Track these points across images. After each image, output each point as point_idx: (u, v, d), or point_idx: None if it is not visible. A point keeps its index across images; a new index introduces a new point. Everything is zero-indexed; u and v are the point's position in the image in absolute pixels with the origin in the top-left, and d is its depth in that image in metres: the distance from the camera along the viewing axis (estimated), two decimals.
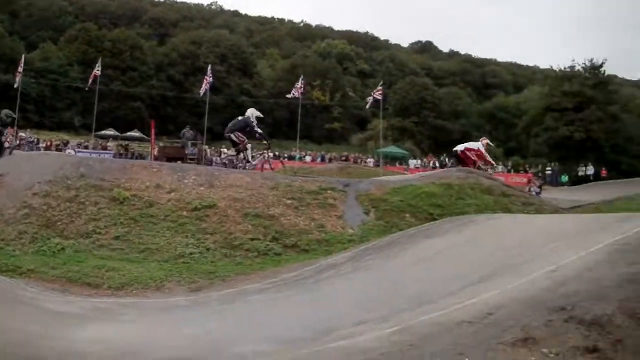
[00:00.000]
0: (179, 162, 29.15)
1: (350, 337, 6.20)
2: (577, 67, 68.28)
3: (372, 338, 5.98)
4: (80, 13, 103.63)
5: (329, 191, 15.97)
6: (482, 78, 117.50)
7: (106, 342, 6.90)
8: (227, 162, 24.80)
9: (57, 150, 48.93)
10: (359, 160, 60.94)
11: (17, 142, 22.67)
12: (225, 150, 53.10)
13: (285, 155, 55.99)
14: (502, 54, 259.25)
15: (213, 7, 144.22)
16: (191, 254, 12.51)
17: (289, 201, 15.16)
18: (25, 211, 13.48)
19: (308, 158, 56.59)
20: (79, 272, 10.97)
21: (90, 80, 60.60)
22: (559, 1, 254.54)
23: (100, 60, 61.17)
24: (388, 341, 5.75)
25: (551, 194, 32.61)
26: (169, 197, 14.65)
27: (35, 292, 9.75)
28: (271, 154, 24.34)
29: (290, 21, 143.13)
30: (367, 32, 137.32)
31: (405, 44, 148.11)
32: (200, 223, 13.74)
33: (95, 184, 14.71)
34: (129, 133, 64.07)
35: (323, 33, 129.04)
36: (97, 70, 58.94)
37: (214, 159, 47.52)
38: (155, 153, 41.59)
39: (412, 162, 64.03)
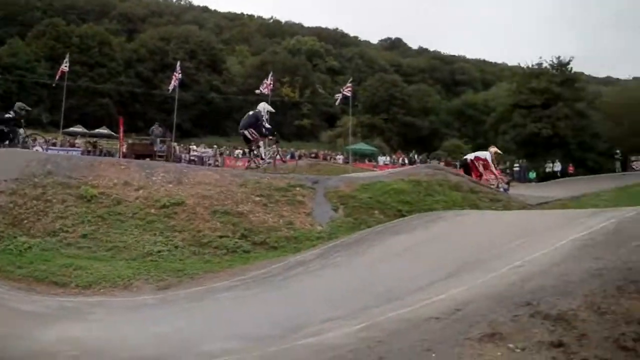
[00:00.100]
0: (148, 159, 29.00)
1: (318, 334, 6.21)
2: (545, 65, 68.92)
3: (340, 335, 5.99)
4: (48, 8, 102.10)
5: (297, 188, 15.96)
6: (451, 75, 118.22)
7: (73, 341, 6.83)
8: (196, 159, 24.76)
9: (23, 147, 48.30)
10: (328, 157, 60.99)
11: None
12: (194, 147, 52.97)
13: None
14: (471, 51, 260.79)
15: (182, 2, 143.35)
16: (159, 252, 12.39)
17: (257, 198, 15.12)
18: None
19: (277, 155, 56.39)
20: (46, 271, 10.82)
21: (57, 77, 59.65)
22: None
23: (68, 56, 60.28)
24: (356, 338, 5.76)
25: (519, 191, 32.74)
26: (137, 195, 14.51)
27: (1, 291, 9.62)
28: (279, 149, 24.21)
29: (259, 17, 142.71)
30: (337, 29, 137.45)
31: (374, 40, 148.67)
32: (168, 221, 13.63)
33: (62, 182, 14.52)
34: (97, 130, 63.47)
35: (293, 30, 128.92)
36: (64, 67, 58.01)
37: (183, 156, 47.41)
38: (124, 150, 41.23)
39: (381, 159, 64.14)
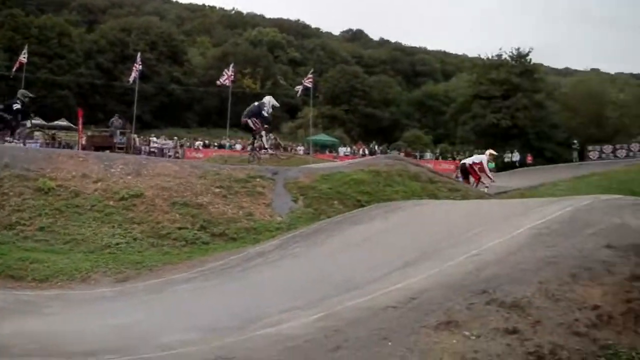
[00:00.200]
0: (107, 151, 28.73)
1: (277, 324, 6.21)
2: (505, 56, 69.64)
3: (298, 325, 6.00)
4: None
5: (257, 179, 15.92)
6: (411, 66, 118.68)
7: (30, 335, 6.74)
8: (156, 151, 24.64)
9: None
10: (289, 149, 60.93)
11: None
12: (154, 139, 52.55)
13: (216, 143, 55.57)
14: (432, 42, 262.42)
15: None
16: (118, 244, 12.25)
17: (217, 189, 15.05)
18: None
19: (238, 147, 56.04)
20: (2, 265, 10.62)
21: (15, 68, 58.70)
22: None
23: (26, 47, 59.32)
24: (314, 327, 5.78)
25: None
26: (96, 187, 14.31)
27: None
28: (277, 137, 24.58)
29: (221, 9, 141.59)
30: (299, 20, 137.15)
31: (336, 32, 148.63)
32: (127, 213, 13.48)
33: (19, 174, 14.25)
34: (56, 122, 62.43)
35: (254, 21, 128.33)
36: (23, 58, 57.09)
37: (143, 148, 47.05)
38: (83, 142, 40.79)
39: (342, 150, 64.29)
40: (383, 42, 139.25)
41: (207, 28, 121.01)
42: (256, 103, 21.83)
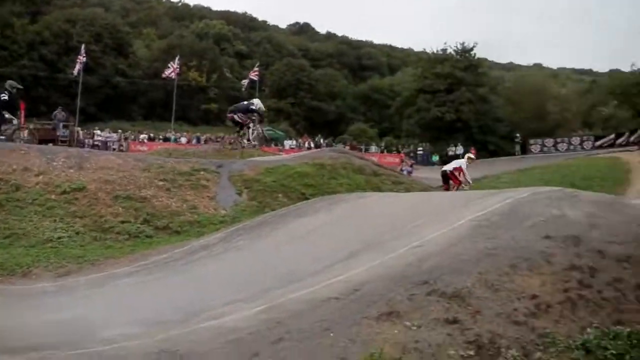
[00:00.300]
0: (50, 144, 28.23)
1: (220, 317, 6.20)
2: (449, 50, 70.15)
3: (241, 317, 6.00)
4: None
5: (201, 172, 15.84)
6: (358, 60, 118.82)
7: None
8: (100, 144, 24.41)
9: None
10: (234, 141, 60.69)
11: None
12: (98, 132, 51.74)
13: (161, 137, 55.01)
14: (379, 36, 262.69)
15: None
16: (59, 238, 12.05)
17: (161, 183, 14.92)
18: None
19: (183, 139, 55.42)
20: None
21: None
22: None
23: None
24: (257, 320, 5.78)
25: (422, 174, 33.51)
26: (37, 180, 14.04)
27: None
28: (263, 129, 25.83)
29: (167, 1, 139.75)
30: (246, 13, 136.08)
31: (283, 25, 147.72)
32: (69, 206, 13.26)
33: None
34: None
35: (201, 13, 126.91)
36: None
37: (86, 141, 46.30)
38: (25, 135, 39.94)
39: (288, 143, 64.08)
40: (330, 36, 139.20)
41: (153, 20, 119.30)
42: (245, 102, 23.69)
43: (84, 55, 55.41)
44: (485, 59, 77.77)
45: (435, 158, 55.69)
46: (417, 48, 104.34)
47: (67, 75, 69.90)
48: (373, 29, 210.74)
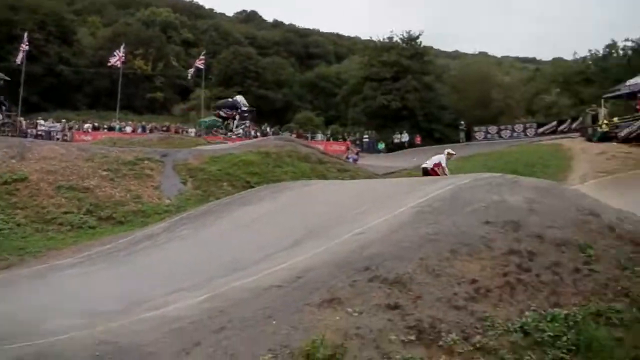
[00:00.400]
0: None
1: (163, 306, 6.15)
2: (396, 39, 70.39)
3: (184, 306, 5.97)
4: None
5: (145, 161, 15.72)
6: (305, 48, 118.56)
7: None
8: (43, 134, 24.20)
9: None
10: (180, 131, 60.08)
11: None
12: (42, 121, 50.79)
13: (105, 126, 54.23)
14: (326, 24, 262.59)
15: None
16: (0, 230, 11.87)
17: (104, 172, 14.77)
18: None
19: (128, 129, 54.70)
20: None
21: None
22: None
23: None
24: (199, 309, 5.76)
25: (368, 161, 33.72)
26: None
27: None
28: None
29: None
30: (192, 1, 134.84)
31: (230, 13, 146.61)
32: (10, 197, 13.06)
33: None
34: None
35: (147, 1, 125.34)
36: None
37: (29, 130, 45.43)
38: None
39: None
40: (277, 24, 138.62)
41: (98, 7, 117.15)
42: (230, 99, 26.42)
43: (27, 43, 54.18)
44: (431, 47, 78.44)
45: (381, 146, 55.96)
46: (363, 36, 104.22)
47: (9, 64, 68.31)
48: (320, 17, 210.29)
